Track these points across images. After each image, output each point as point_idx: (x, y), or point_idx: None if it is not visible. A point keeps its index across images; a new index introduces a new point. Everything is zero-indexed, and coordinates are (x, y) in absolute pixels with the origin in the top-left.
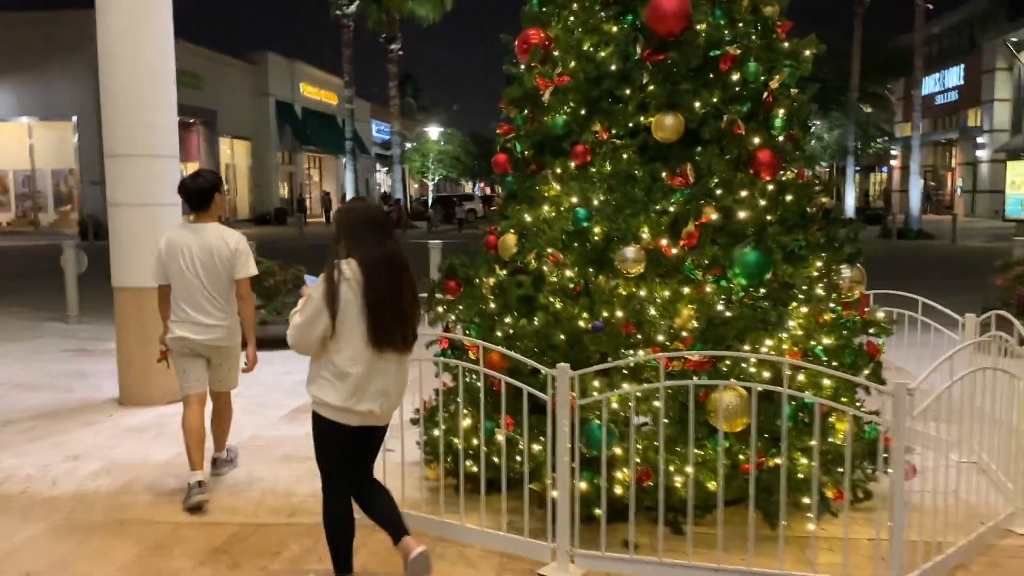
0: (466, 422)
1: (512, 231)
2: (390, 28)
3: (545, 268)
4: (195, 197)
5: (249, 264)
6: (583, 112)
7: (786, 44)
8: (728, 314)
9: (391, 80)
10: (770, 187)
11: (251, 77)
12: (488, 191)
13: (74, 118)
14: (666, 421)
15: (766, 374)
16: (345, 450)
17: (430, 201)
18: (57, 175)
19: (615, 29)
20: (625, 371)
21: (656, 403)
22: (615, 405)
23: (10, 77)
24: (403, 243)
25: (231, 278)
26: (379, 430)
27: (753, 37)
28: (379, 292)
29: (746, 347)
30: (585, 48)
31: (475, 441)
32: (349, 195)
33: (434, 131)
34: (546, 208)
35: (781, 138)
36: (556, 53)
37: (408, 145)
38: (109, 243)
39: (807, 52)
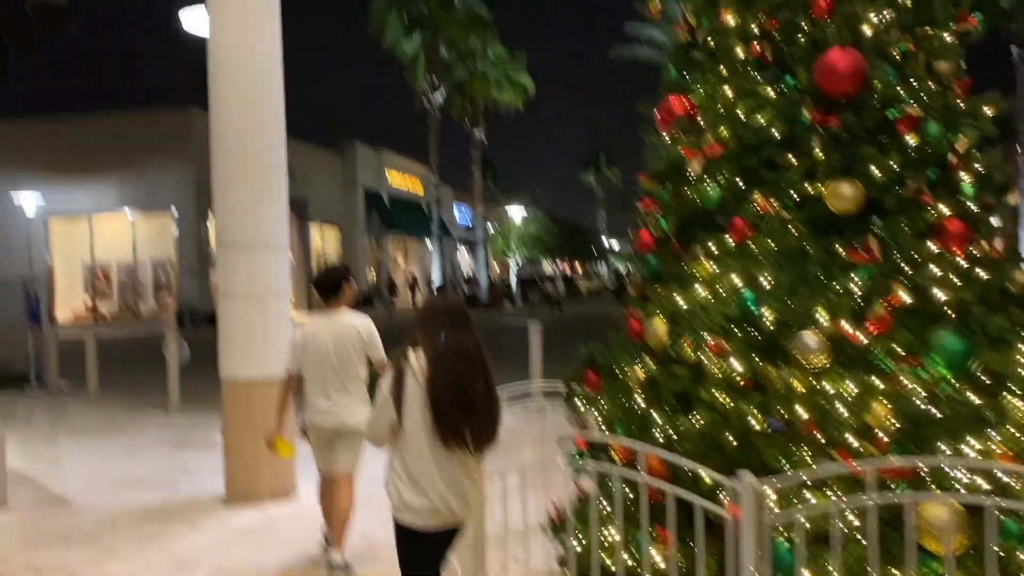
0: (611, 534)
1: (661, 316)
2: (473, 115)
3: (705, 359)
4: (328, 288)
5: (380, 347)
6: (740, 183)
7: (964, 103)
8: (933, 411)
9: (474, 165)
10: (962, 262)
11: (340, 166)
12: (567, 271)
13: (173, 208)
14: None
15: (981, 483)
16: (410, 552)
17: (513, 282)
18: (156, 265)
19: (771, 92)
20: (809, 480)
21: (851, 516)
22: (802, 519)
23: (115, 171)
24: (497, 323)
25: (362, 363)
26: (446, 534)
27: (928, 97)
28: (443, 384)
29: (948, 449)
30: (740, 113)
31: (627, 560)
32: (436, 278)
33: (516, 212)
34: (700, 290)
35: (971, 206)
36: (702, 121)
37: (490, 227)
38: (218, 334)
39: (988, 111)
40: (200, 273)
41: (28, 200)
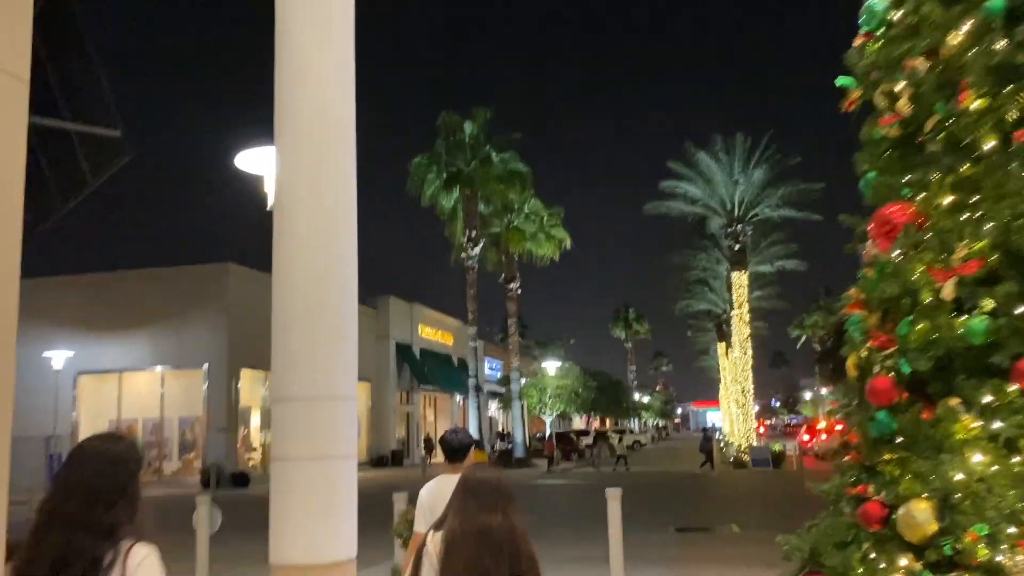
0: None
1: (922, 497)
2: (509, 268)
3: (1005, 561)
4: (456, 450)
5: None
6: (1018, 311)
7: None
8: None
9: (510, 318)
10: None
11: (373, 321)
12: (596, 427)
13: (205, 365)
14: None
15: None
16: None
17: (548, 438)
18: (184, 423)
19: None
20: None
21: None
22: None
23: (148, 328)
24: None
25: None
26: None
27: None
28: (455, 571)
29: None
30: (1007, 220)
31: None
32: (473, 432)
33: (551, 366)
34: (977, 461)
35: None
36: (937, 233)
37: (523, 381)
38: (270, 505)
39: None
40: (229, 431)
41: (59, 357)
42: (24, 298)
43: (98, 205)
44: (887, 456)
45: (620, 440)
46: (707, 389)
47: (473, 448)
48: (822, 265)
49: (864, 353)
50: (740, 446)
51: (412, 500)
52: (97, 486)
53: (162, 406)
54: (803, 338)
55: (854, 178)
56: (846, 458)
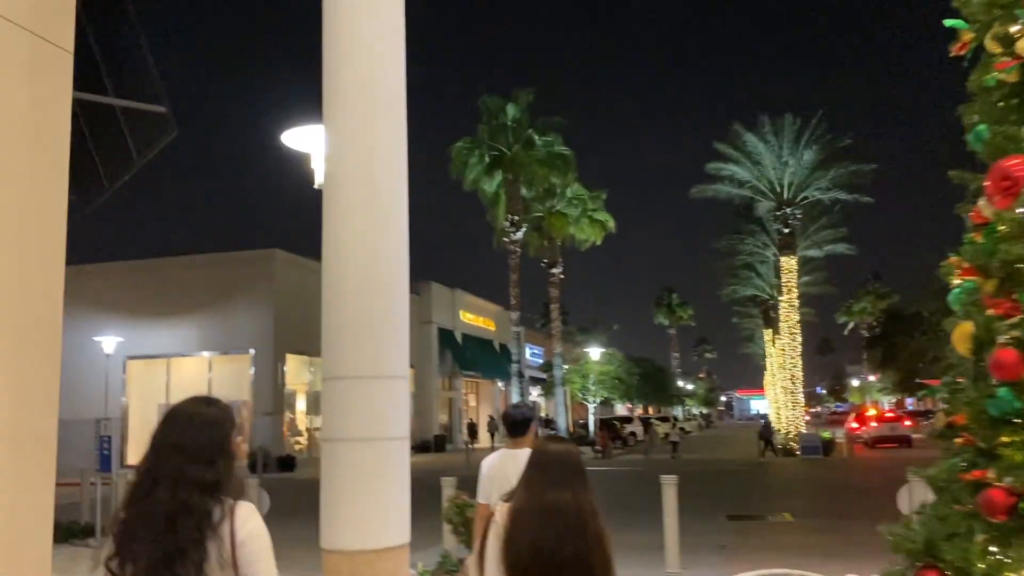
0: None
1: None
2: (551, 253)
3: None
4: (517, 425)
5: None
6: None
7: None
8: None
9: (552, 303)
10: None
11: (415, 306)
12: (638, 413)
13: (251, 351)
14: None
15: None
16: None
17: (592, 425)
18: (231, 407)
19: None
20: None
21: None
22: None
23: (196, 314)
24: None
25: None
26: None
27: None
28: (518, 546)
29: None
30: None
31: None
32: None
33: (594, 352)
34: None
35: None
36: None
37: (565, 367)
38: (320, 489)
39: None
40: (275, 415)
41: (110, 342)
42: (72, 284)
43: (142, 189)
44: (1007, 438)
45: (674, 426)
46: (752, 376)
47: (532, 422)
48: (871, 250)
49: (981, 323)
50: (789, 434)
51: (460, 485)
52: (199, 444)
53: (209, 390)
54: (851, 325)
55: (910, 158)
56: (957, 440)
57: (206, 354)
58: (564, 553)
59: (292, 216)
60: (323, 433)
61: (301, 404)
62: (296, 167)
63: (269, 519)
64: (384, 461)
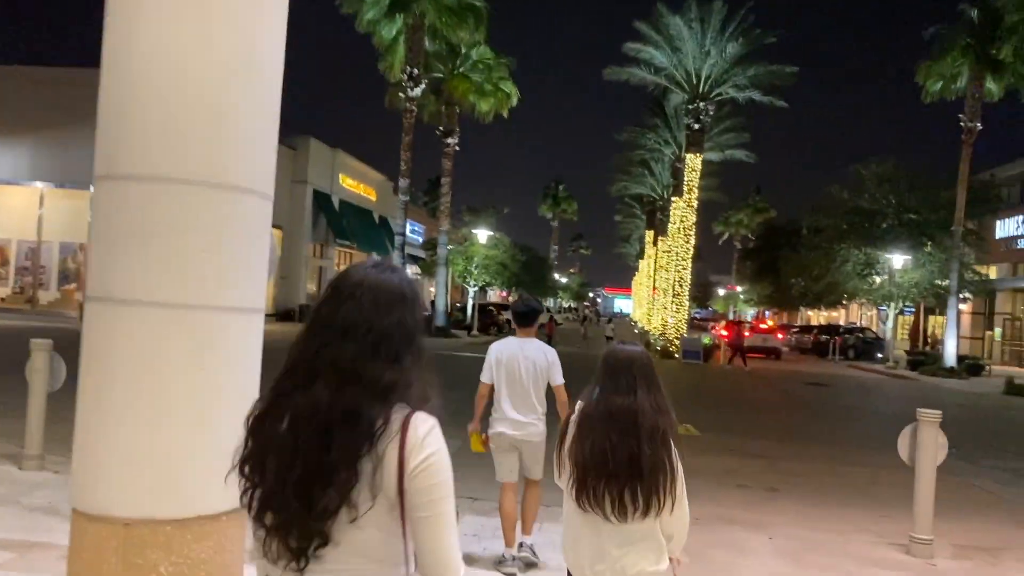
0: None
1: None
2: (448, 121)
3: None
4: (527, 316)
5: (560, 373)
6: None
7: None
8: None
9: (444, 176)
10: None
11: (290, 162)
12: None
13: (92, 187)
14: None
15: None
16: None
17: (470, 309)
18: (65, 249)
19: None
20: None
21: None
22: None
23: (25, 137)
24: None
25: (545, 385)
26: None
27: None
28: (582, 448)
29: None
30: None
31: None
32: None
33: (482, 235)
34: None
35: None
36: None
37: (449, 247)
38: (78, 397)
39: None
40: None
41: None
42: None
43: None
44: None
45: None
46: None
47: (539, 313)
48: (765, 160)
49: None
50: (669, 336)
51: None
52: (383, 331)
53: (40, 228)
54: (725, 235)
55: (830, 62)
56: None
57: (39, 185)
58: (619, 457)
59: None
60: (90, 285)
61: None
62: None
63: (69, 387)
64: (208, 348)
